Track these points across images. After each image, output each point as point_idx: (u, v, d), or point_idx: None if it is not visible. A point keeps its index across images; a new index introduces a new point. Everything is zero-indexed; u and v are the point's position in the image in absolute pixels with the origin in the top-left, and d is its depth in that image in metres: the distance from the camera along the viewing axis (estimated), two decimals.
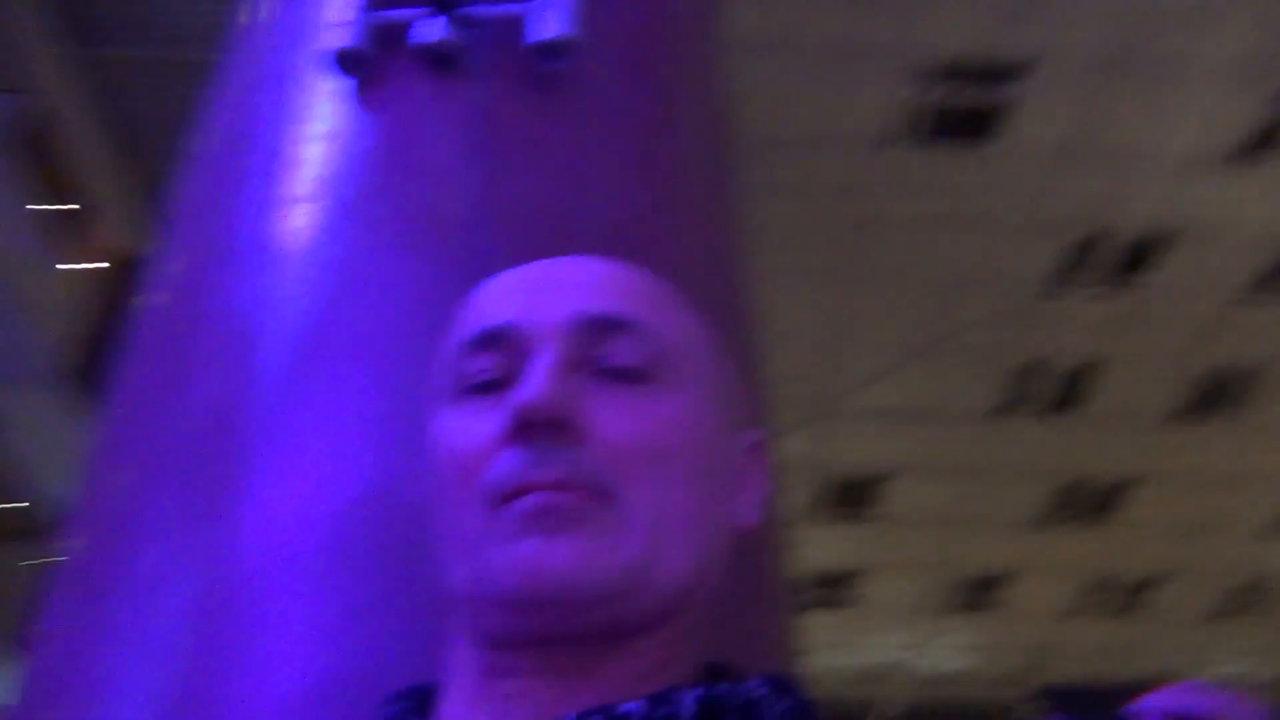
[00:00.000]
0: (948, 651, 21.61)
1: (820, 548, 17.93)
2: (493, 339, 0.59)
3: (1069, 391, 14.68)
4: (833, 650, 21.31)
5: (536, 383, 0.54)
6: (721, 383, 0.64)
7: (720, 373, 0.65)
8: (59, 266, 11.16)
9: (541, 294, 0.60)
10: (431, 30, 1.35)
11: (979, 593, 19.44)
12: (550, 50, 1.37)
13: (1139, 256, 11.14)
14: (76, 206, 11.75)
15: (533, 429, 0.54)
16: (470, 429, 0.57)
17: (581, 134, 1.39)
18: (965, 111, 11.67)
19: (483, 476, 0.55)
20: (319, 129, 1.36)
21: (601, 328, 0.58)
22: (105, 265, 11.64)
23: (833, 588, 19.64)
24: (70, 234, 11.58)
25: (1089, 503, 15.99)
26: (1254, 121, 9.56)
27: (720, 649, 1.02)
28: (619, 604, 0.53)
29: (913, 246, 12.85)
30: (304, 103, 1.41)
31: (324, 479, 0.99)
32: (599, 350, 0.58)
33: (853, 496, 17.29)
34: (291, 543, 0.96)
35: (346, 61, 1.33)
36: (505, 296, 0.61)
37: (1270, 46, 8.65)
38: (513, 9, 1.38)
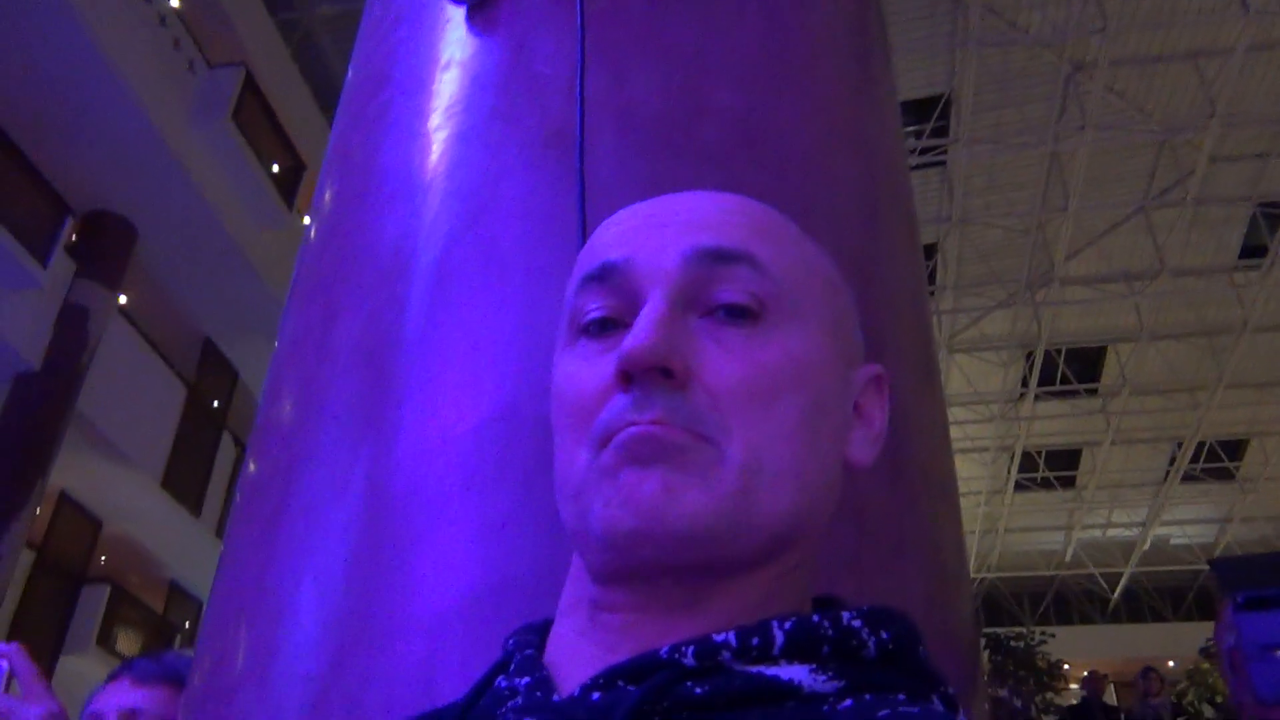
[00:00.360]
0: (1182, 527, 20.54)
1: (1044, 424, 17.30)
2: (604, 277, 0.60)
3: None
4: (1059, 531, 20.69)
5: (643, 331, 0.55)
6: (838, 317, 0.64)
7: (837, 306, 0.64)
8: (281, 222, 11.95)
9: (655, 231, 0.60)
10: None
11: (1215, 462, 18.28)
12: None
13: None
14: (293, 165, 12.49)
15: (638, 376, 0.55)
16: (582, 373, 0.59)
17: (703, 25, 1.35)
18: None
19: (593, 422, 0.57)
20: (446, 58, 1.38)
21: (713, 263, 0.58)
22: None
23: (1059, 466, 18.99)
24: (289, 191, 12.34)
25: None
26: None
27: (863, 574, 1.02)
28: (715, 543, 0.54)
29: (1135, 86, 11.88)
30: (434, 34, 1.44)
31: (462, 400, 1.03)
32: (710, 287, 0.58)
33: (1077, 369, 16.53)
34: (436, 463, 1.00)
35: None
36: (620, 233, 0.62)
37: None
38: None
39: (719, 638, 0.53)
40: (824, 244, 1.21)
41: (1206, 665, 7.98)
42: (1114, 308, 14.99)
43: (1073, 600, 22.88)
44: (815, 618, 0.54)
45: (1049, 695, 9.89)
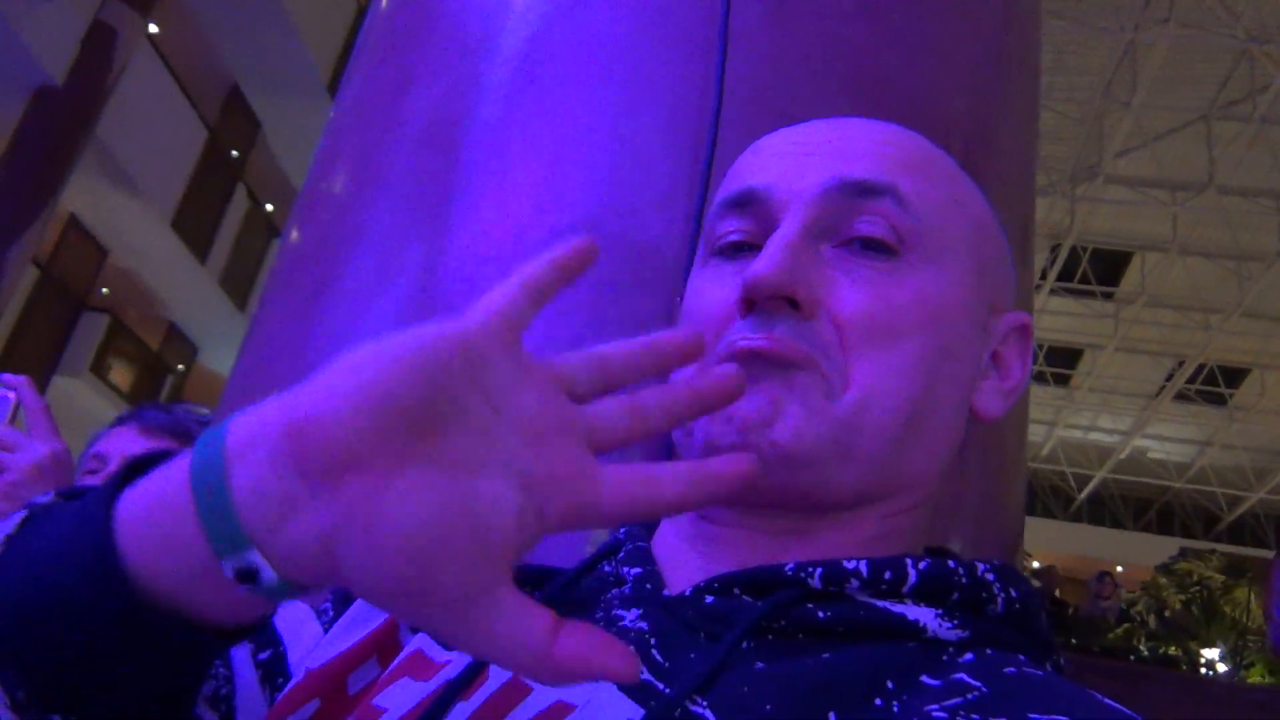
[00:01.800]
0: (1162, 442, 20.75)
1: (1053, 319, 17.23)
2: (743, 202, 0.59)
3: None
4: (1043, 426, 20.92)
5: (770, 257, 0.53)
6: (985, 260, 0.60)
7: (985, 249, 0.61)
8: None
9: (800, 159, 0.58)
10: None
11: (1211, 385, 18.28)
12: None
13: None
14: None
15: (761, 302, 0.54)
16: (711, 293, 0.58)
17: None
18: None
19: (713, 342, 0.55)
20: None
21: (854, 194, 0.56)
22: None
23: (1057, 363, 19.01)
24: None
25: None
26: None
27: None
28: (813, 468, 0.52)
29: None
30: None
31: (541, 200, 0.94)
32: (850, 219, 0.56)
33: (1099, 270, 16.30)
34: (501, 264, 0.93)
35: None
36: (765, 159, 0.60)
37: None
38: None
39: (850, 564, 0.51)
40: (948, 92, 1.11)
41: (1163, 580, 8.22)
42: (1151, 214, 14.67)
43: (1039, 494, 23.36)
44: (952, 563, 0.52)
45: None
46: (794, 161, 0.58)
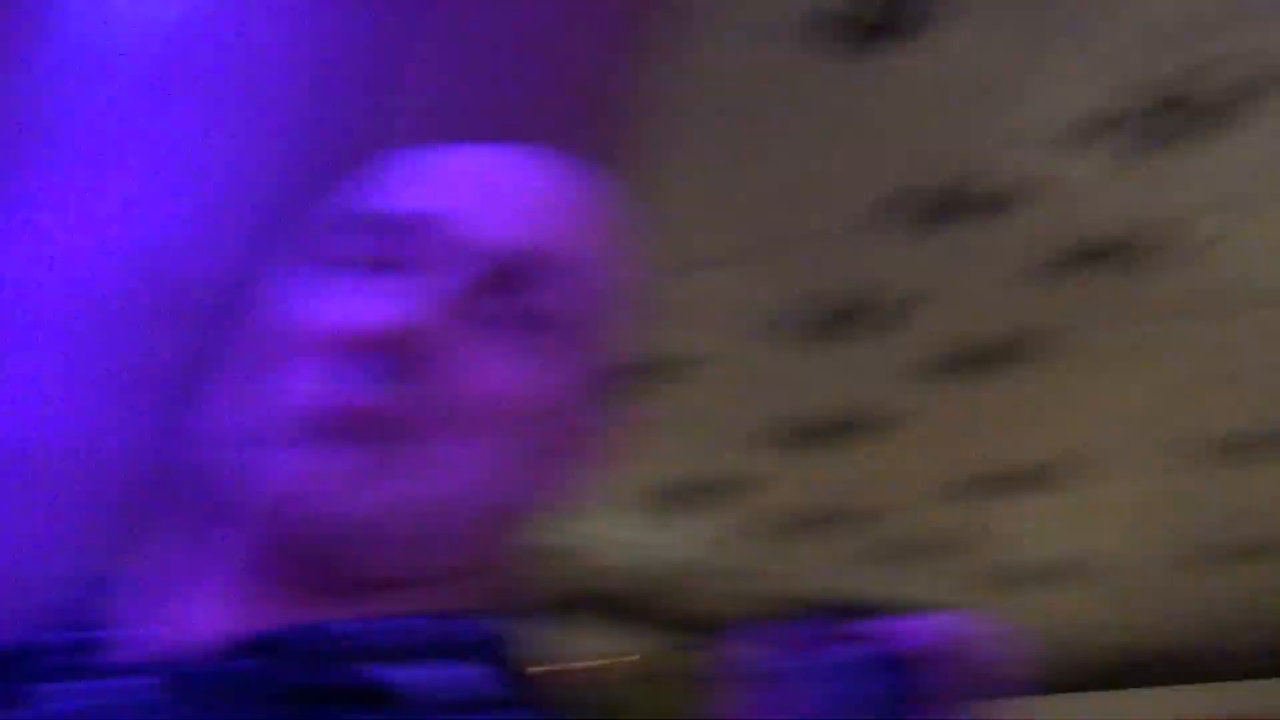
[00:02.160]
0: (610, 544, 22.63)
1: None
2: (392, 224, 0.54)
3: (841, 322, 15.06)
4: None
5: (406, 308, 0.50)
6: (610, 339, 0.59)
7: (615, 330, 0.60)
8: None
9: (467, 201, 0.55)
10: None
11: (662, 499, 20.34)
12: None
13: (963, 207, 11.56)
14: None
15: (381, 349, 0.50)
16: (326, 307, 0.52)
17: None
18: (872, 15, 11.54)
19: (312, 366, 0.50)
20: None
21: (521, 267, 0.54)
22: None
23: None
24: None
25: (817, 432, 16.81)
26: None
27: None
28: (338, 548, 0.49)
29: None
30: None
31: (98, 223, 0.86)
32: (501, 289, 0.53)
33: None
34: (41, 285, 0.86)
35: None
36: (427, 187, 0.56)
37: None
38: None
39: (333, 628, 0.49)
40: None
41: (622, 676, 9.02)
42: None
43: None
44: (429, 620, 0.52)
45: None
46: (461, 201, 0.55)
